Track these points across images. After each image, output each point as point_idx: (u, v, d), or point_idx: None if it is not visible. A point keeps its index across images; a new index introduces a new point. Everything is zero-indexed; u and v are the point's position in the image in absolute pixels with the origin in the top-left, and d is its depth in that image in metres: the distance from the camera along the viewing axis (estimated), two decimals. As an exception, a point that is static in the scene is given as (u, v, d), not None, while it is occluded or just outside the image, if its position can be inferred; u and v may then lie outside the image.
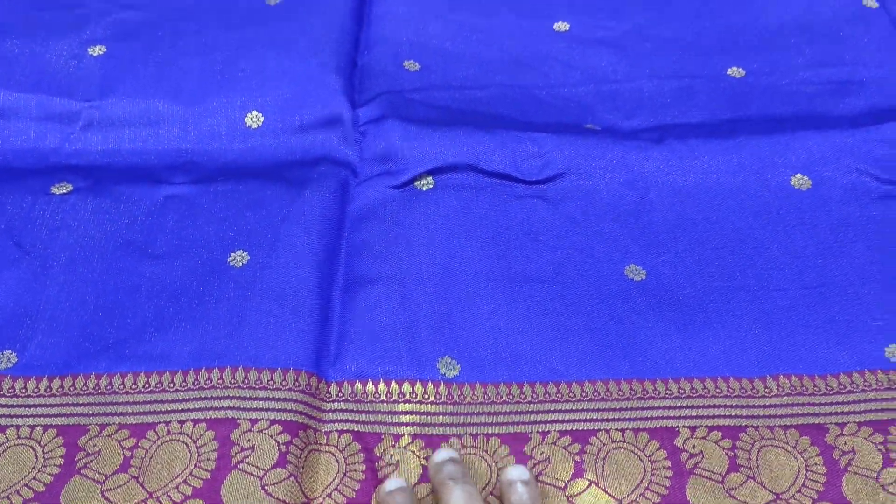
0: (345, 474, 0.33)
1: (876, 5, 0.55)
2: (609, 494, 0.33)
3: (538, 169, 0.45)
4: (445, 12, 0.54)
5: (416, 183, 0.43)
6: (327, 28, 0.50)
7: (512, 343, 0.38)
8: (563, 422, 0.35)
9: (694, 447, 0.34)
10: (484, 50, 0.52)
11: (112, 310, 0.38)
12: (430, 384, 0.36)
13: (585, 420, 0.35)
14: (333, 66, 0.47)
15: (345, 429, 0.35)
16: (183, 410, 0.34)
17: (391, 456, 0.34)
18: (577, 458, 0.34)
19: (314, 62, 0.47)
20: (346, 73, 0.48)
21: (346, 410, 0.35)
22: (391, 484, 0.31)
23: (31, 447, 0.33)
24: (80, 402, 0.35)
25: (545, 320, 0.39)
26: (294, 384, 0.35)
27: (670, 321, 0.39)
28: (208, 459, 0.33)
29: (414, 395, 0.36)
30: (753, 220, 0.43)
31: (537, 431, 0.35)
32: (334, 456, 0.34)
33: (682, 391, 0.36)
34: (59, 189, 0.43)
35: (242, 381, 0.35)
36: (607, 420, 0.35)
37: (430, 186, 0.43)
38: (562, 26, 0.55)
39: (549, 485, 0.33)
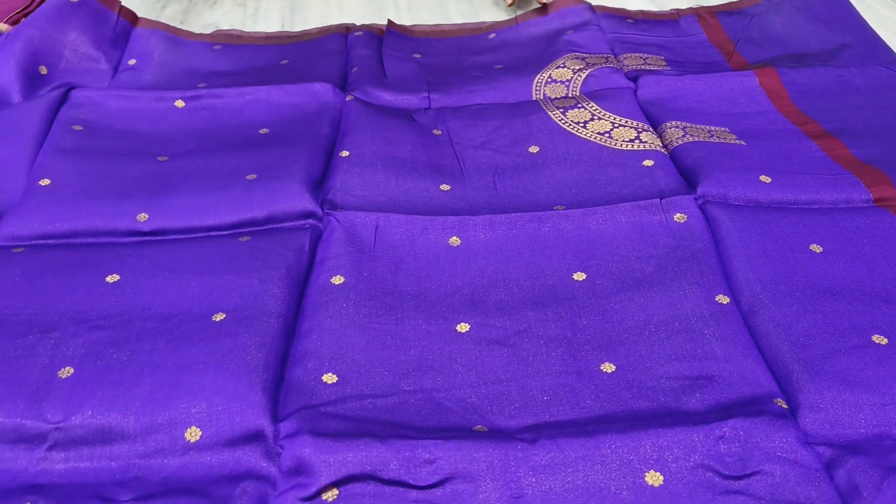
0: None
1: (727, 300, 0.66)
2: None
3: (429, 474, 0.52)
4: (364, 321, 0.64)
5: (324, 495, 0.51)
6: (258, 346, 0.60)
7: None
8: None
9: None
10: (394, 356, 0.62)
11: None
12: None
13: None
14: (260, 384, 0.57)
15: None
16: None
17: None
18: None
19: (244, 381, 0.57)
20: (271, 389, 0.57)
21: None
22: None
23: None
24: None
25: None
26: None
27: None
28: None
29: None
30: (615, 521, 0.51)
31: None
32: None
33: None
34: (23, 511, 0.51)
35: None
36: None
37: (335, 497, 0.51)
38: (463, 327, 0.65)
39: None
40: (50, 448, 0.54)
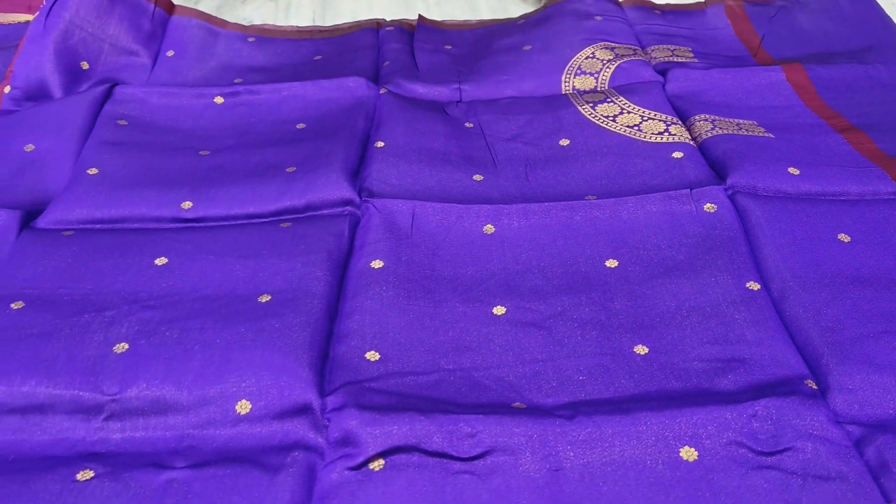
0: None
1: (758, 286, 0.68)
2: None
3: (470, 447, 0.55)
4: (403, 303, 0.67)
5: (370, 464, 0.53)
6: (304, 325, 0.62)
7: None
8: None
9: None
10: (433, 336, 0.64)
11: None
12: None
13: None
14: (307, 360, 0.59)
15: None
16: None
17: None
18: None
19: (292, 357, 0.59)
20: (317, 365, 0.59)
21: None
22: None
23: None
24: None
25: None
26: None
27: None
28: None
29: None
30: (649, 492, 0.52)
31: None
32: None
33: None
34: (83, 476, 0.53)
35: None
36: None
37: (381, 466, 0.53)
38: (499, 310, 0.67)
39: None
40: (107, 418, 0.57)
